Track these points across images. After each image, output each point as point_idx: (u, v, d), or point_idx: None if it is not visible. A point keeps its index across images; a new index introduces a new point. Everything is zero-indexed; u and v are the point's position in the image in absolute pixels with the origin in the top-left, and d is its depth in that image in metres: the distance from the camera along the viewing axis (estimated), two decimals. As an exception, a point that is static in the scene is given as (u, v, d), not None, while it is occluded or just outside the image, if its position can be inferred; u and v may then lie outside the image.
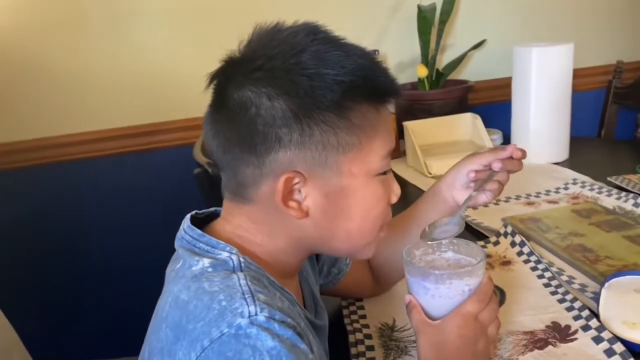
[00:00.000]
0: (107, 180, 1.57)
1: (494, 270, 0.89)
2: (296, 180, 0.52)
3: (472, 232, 1.03)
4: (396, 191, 0.60)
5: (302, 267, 0.66)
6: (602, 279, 0.79)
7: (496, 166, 0.68)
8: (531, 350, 0.68)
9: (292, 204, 0.53)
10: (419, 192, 1.08)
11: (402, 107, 1.57)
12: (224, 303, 0.46)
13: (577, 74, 1.42)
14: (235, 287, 0.47)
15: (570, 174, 1.29)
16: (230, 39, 0.56)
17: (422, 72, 1.55)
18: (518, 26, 1.73)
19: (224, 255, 0.52)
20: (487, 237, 1.00)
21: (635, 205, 1.06)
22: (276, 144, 0.51)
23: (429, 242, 0.66)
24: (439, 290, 0.59)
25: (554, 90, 1.35)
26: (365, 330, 0.75)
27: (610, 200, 1.11)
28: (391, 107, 0.52)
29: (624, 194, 1.12)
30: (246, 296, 0.46)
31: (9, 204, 1.50)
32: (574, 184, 1.22)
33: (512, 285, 0.83)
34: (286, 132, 0.50)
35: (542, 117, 1.36)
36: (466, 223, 1.05)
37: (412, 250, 0.65)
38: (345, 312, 0.81)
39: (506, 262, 0.90)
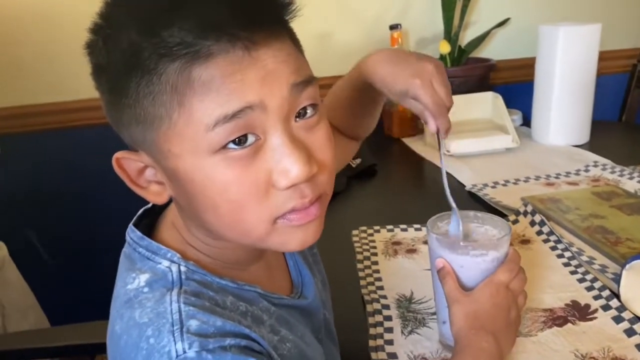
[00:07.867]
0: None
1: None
2: (128, 156, 0.46)
3: (491, 211, 1.02)
4: (285, 168, 0.42)
5: None
6: (623, 260, 0.78)
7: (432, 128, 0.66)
8: (550, 327, 0.68)
9: (142, 182, 0.47)
10: (437, 169, 1.07)
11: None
12: (151, 340, 0.41)
13: (602, 56, 1.39)
14: (165, 316, 0.42)
15: (591, 156, 1.27)
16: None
17: (445, 48, 1.53)
18: (542, 5, 1.69)
19: (164, 265, 0.46)
20: (505, 215, 0.99)
21: (658, 189, 1.05)
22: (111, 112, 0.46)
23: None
24: (465, 262, 0.59)
25: (578, 72, 1.32)
26: (383, 301, 0.76)
27: (632, 184, 1.09)
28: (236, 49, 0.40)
29: (646, 177, 1.10)
30: (174, 328, 0.41)
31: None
32: (595, 166, 1.20)
33: (531, 264, 0.83)
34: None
35: (565, 99, 1.34)
36: (485, 201, 1.07)
37: (436, 222, 0.65)
38: (362, 282, 0.81)
39: (525, 241, 0.90)
